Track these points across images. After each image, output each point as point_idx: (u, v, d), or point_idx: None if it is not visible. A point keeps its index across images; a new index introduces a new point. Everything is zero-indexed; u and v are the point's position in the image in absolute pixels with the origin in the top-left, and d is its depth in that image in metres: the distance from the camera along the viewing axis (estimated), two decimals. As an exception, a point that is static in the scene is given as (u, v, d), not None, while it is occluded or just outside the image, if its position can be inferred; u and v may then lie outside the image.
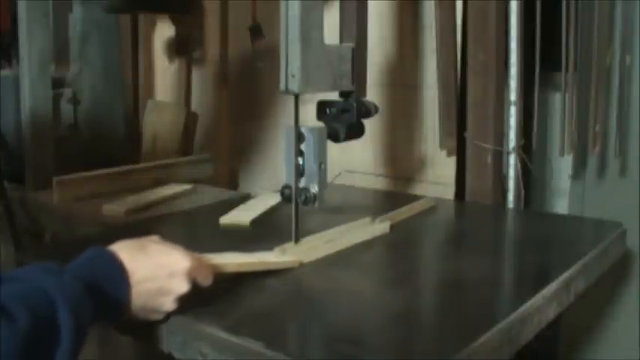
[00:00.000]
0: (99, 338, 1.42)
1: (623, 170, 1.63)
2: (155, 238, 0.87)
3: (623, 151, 1.60)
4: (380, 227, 1.22)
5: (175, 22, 2.40)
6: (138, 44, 2.45)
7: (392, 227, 1.24)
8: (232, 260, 0.96)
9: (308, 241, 1.10)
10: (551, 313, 0.95)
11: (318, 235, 1.14)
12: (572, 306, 1.03)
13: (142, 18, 2.46)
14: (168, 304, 0.82)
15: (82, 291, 0.73)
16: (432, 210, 1.42)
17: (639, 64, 1.58)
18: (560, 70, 1.48)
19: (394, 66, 1.72)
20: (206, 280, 0.87)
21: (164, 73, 2.49)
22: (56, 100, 1.97)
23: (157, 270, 0.81)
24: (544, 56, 1.45)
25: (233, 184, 2.19)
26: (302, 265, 1.04)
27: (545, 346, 1.60)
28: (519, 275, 1.09)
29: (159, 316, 0.84)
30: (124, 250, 0.81)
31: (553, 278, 0.97)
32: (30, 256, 1.24)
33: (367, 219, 1.24)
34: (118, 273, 0.79)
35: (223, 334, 0.79)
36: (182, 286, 0.82)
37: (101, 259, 0.79)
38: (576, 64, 1.49)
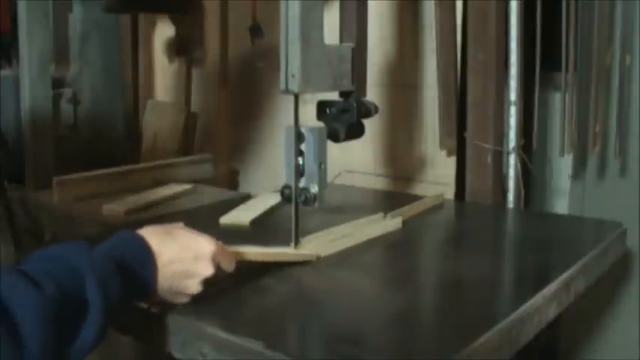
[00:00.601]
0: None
1: (623, 170, 1.63)
2: (180, 224, 0.89)
3: (623, 151, 1.60)
4: (392, 223, 1.24)
5: (175, 22, 2.40)
6: (138, 44, 2.45)
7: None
8: (254, 250, 0.98)
9: (322, 236, 1.12)
10: (551, 313, 0.95)
11: (331, 230, 1.15)
12: (572, 306, 1.03)
13: (142, 18, 2.46)
14: (194, 287, 0.84)
15: (112, 269, 0.75)
16: (433, 209, 1.42)
17: (639, 64, 1.58)
18: (560, 70, 1.48)
19: (394, 66, 1.72)
20: (229, 266, 0.89)
21: (164, 73, 2.49)
22: (56, 100, 1.97)
23: (183, 253, 0.83)
24: (544, 56, 1.45)
25: (233, 184, 2.19)
26: (319, 258, 1.06)
27: (545, 346, 1.60)
28: (519, 275, 1.09)
29: (184, 299, 0.85)
30: (151, 234, 0.83)
31: (553, 278, 0.97)
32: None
33: (379, 215, 1.25)
34: (146, 255, 0.81)
35: (223, 334, 0.79)
36: (207, 270, 0.84)
37: (129, 242, 0.82)
38: (576, 64, 1.49)
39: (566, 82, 1.49)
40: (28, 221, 1.67)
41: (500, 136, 1.48)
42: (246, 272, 0.96)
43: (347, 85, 1.11)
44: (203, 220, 1.40)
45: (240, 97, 2.18)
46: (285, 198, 1.07)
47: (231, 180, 2.20)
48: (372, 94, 1.19)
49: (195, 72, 2.36)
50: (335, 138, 1.12)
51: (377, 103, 1.18)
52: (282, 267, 1.01)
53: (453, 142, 1.60)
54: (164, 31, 2.46)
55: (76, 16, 2.10)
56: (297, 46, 0.99)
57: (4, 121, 1.89)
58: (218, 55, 2.19)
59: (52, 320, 0.66)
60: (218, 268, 0.87)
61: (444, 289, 1.01)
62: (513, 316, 0.84)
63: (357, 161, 1.78)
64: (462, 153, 1.55)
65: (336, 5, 1.16)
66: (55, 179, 1.61)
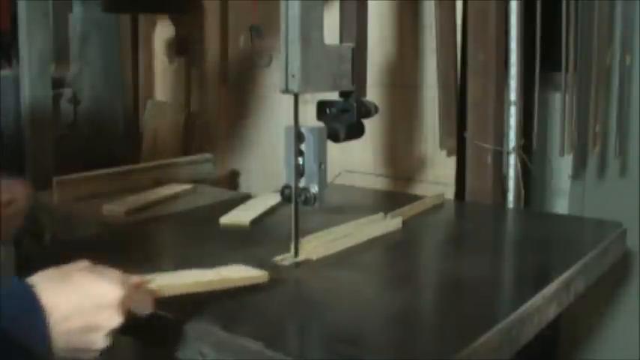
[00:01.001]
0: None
1: (623, 170, 1.63)
2: (85, 264, 0.76)
3: (623, 151, 1.60)
4: (392, 223, 1.24)
5: (175, 22, 2.39)
6: (138, 44, 2.45)
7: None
8: (185, 280, 0.87)
9: (322, 236, 1.12)
10: (551, 313, 0.95)
11: (331, 230, 1.15)
12: (572, 306, 1.03)
13: (142, 18, 2.46)
14: (100, 342, 0.72)
15: None
16: (433, 209, 1.42)
17: (639, 64, 1.58)
18: (560, 70, 1.48)
19: (394, 66, 1.72)
20: (145, 308, 0.78)
21: (164, 73, 2.49)
22: (56, 99, 1.97)
23: (82, 304, 0.71)
24: (544, 56, 1.45)
25: (233, 184, 2.19)
26: (271, 279, 0.95)
27: (545, 346, 1.60)
28: (519, 275, 1.09)
29: (91, 355, 0.73)
30: (44, 282, 0.71)
31: (553, 278, 0.97)
32: (30, 256, 1.24)
33: (379, 215, 1.26)
34: (35, 312, 0.68)
35: (223, 334, 0.79)
36: (113, 320, 0.72)
37: (17, 297, 0.70)
38: (576, 64, 1.49)
39: (566, 82, 1.49)
40: (28, 221, 1.67)
41: (500, 136, 1.48)
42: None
43: (347, 85, 1.11)
44: (203, 220, 1.41)
45: (239, 97, 2.18)
46: (285, 198, 1.07)
47: (231, 180, 2.19)
48: (372, 94, 1.19)
49: (194, 72, 2.36)
50: (335, 138, 1.12)
51: (377, 103, 1.18)
52: (281, 268, 1.01)
53: (453, 142, 1.60)
54: (164, 31, 2.46)
55: (76, 16, 2.11)
56: (297, 46, 0.99)
57: (4, 122, 1.89)
58: (218, 55, 2.19)
59: None
60: (129, 313, 0.75)
61: (443, 289, 1.01)
62: (513, 316, 0.84)
63: (357, 161, 1.78)
64: (462, 153, 1.55)
65: (336, 5, 1.16)
66: (55, 179, 1.61)
